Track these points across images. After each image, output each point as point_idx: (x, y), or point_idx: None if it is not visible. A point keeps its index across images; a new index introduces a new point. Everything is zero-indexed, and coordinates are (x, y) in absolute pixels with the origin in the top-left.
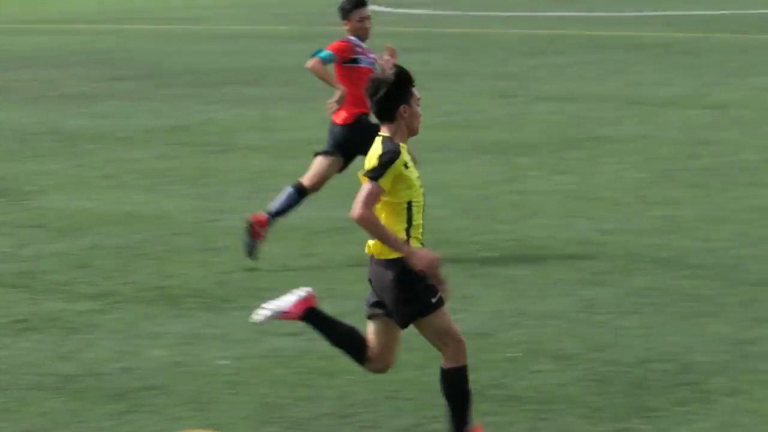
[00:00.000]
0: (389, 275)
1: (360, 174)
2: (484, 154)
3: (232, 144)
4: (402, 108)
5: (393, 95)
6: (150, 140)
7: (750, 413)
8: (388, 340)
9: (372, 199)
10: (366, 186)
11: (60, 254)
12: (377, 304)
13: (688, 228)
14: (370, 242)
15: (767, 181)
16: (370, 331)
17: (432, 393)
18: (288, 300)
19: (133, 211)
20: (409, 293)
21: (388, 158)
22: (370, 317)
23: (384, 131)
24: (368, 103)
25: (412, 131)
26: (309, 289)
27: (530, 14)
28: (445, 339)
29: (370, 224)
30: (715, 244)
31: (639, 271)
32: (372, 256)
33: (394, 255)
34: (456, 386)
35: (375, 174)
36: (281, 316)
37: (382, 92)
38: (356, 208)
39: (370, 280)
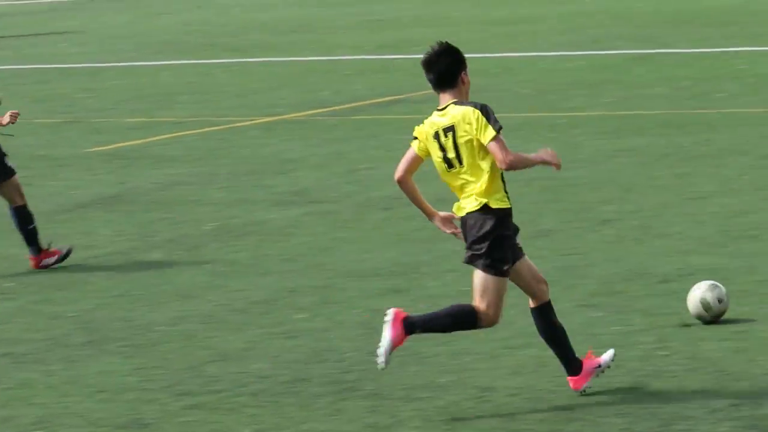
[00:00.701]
0: (489, 222)
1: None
2: None
3: None
4: (463, 74)
5: (456, 62)
6: None
7: None
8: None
9: (506, 145)
10: (498, 140)
11: None
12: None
13: None
14: (466, 200)
15: None
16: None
17: None
18: (386, 332)
19: None
20: (506, 240)
21: (490, 109)
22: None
23: (447, 99)
24: (425, 74)
25: (467, 96)
26: (389, 310)
27: None
28: (539, 279)
29: (520, 161)
30: None
31: None
32: (467, 214)
33: (498, 204)
34: (548, 320)
35: (497, 126)
36: (393, 347)
37: (444, 62)
38: (504, 159)
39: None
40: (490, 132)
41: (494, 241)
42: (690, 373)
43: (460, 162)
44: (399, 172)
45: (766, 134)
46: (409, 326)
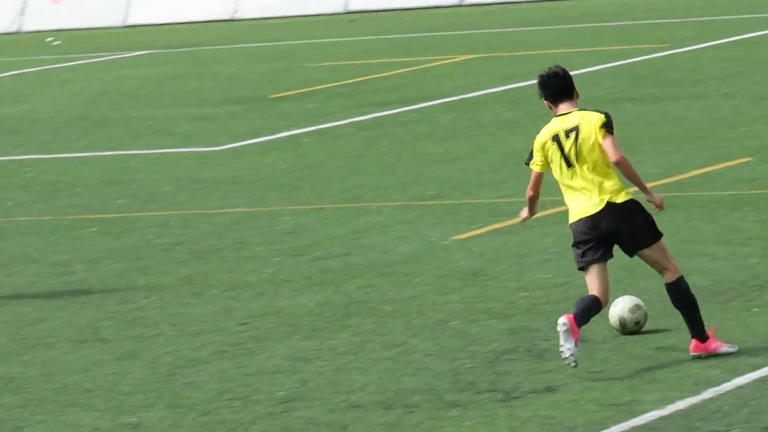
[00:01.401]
0: (632, 210)
1: (595, 130)
2: None
3: None
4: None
5: (571, 78)
6: None
7: None
8: (605, 278)
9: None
10: (610, 137)
11: None
12: (602, 248)
13: None
14: (601, 198)
15: None
16: (593, 276)
17: None
18: (567, 338)
19: None
20: (650, 222)
21: (611, 116)
22: (595, 261)
23: (566, 108)
24: (545, 91)
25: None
26: (563, 318)
27: None
28: (668, 257)
29: (628, 163)
30: None
31: None
32: (603, 209)
33: (629, 196)
34: (684, 293)
35: (612, 128)
36: (576, 340)
37: (564, 77)
38: (615, 154)
39: (598, 233)
40: (606, 131)
41: (644, 221)
42: None
43: (578, 160)
44: (531, 191)
45: (56, 241)
46: (579, 323)
